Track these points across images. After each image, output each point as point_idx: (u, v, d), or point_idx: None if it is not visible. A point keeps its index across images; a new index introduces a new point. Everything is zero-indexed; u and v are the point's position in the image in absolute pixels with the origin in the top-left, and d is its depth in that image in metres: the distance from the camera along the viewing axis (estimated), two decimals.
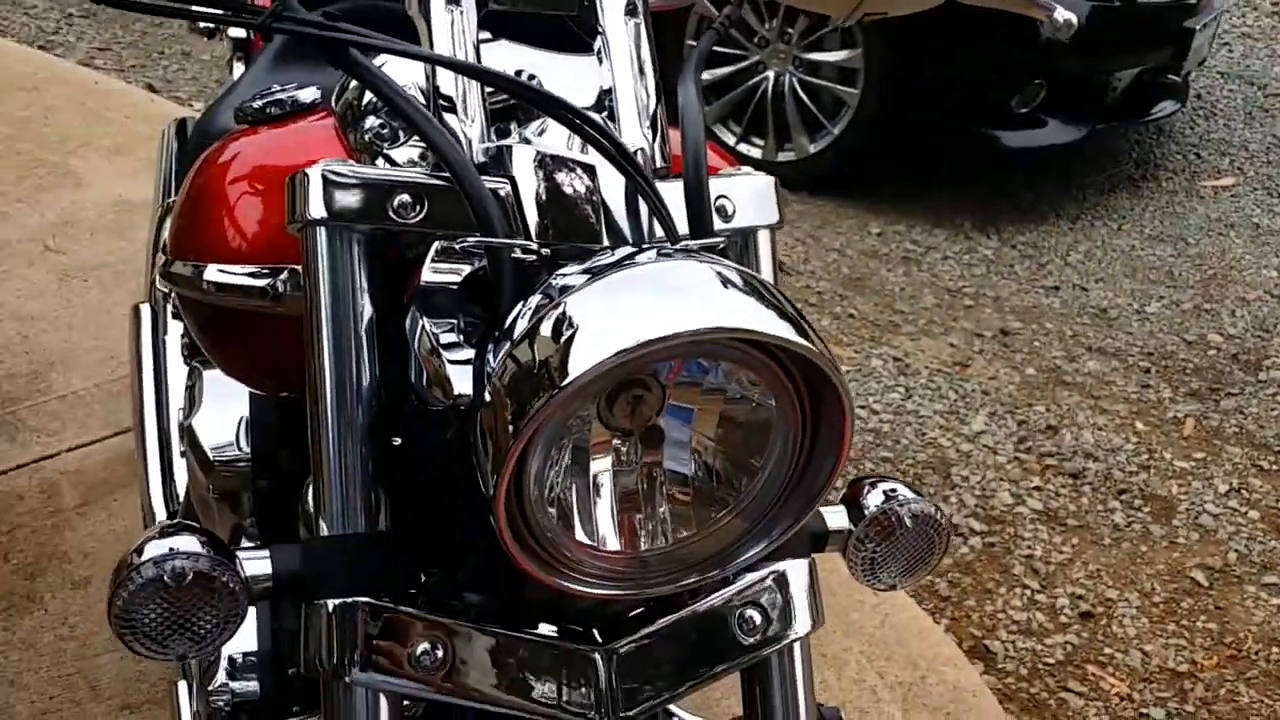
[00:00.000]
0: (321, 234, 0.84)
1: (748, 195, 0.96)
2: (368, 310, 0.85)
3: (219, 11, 0.81)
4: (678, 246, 0.83)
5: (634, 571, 0.81)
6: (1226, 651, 2.34)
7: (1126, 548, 2.58)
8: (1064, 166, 4.24)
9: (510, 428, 0.71)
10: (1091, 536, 2.60)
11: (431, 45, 0.92)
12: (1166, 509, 2.70)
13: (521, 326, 0.75)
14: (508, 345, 0.75)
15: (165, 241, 1.10)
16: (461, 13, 0.92)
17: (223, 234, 1.02)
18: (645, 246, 0.82)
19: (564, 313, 0.73)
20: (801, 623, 0.93)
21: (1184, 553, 2.58)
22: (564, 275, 0.76)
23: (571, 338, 0.71)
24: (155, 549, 0.79)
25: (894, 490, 0.99)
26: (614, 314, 0.72)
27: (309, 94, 1.09)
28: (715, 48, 3.80)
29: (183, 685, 1.29)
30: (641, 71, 0.97)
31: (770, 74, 3.94)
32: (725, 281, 0.75)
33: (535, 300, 0.76)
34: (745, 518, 0.82)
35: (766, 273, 0.99)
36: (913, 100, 3.76)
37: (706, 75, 4.03)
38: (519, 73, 0.97)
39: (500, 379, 0.73)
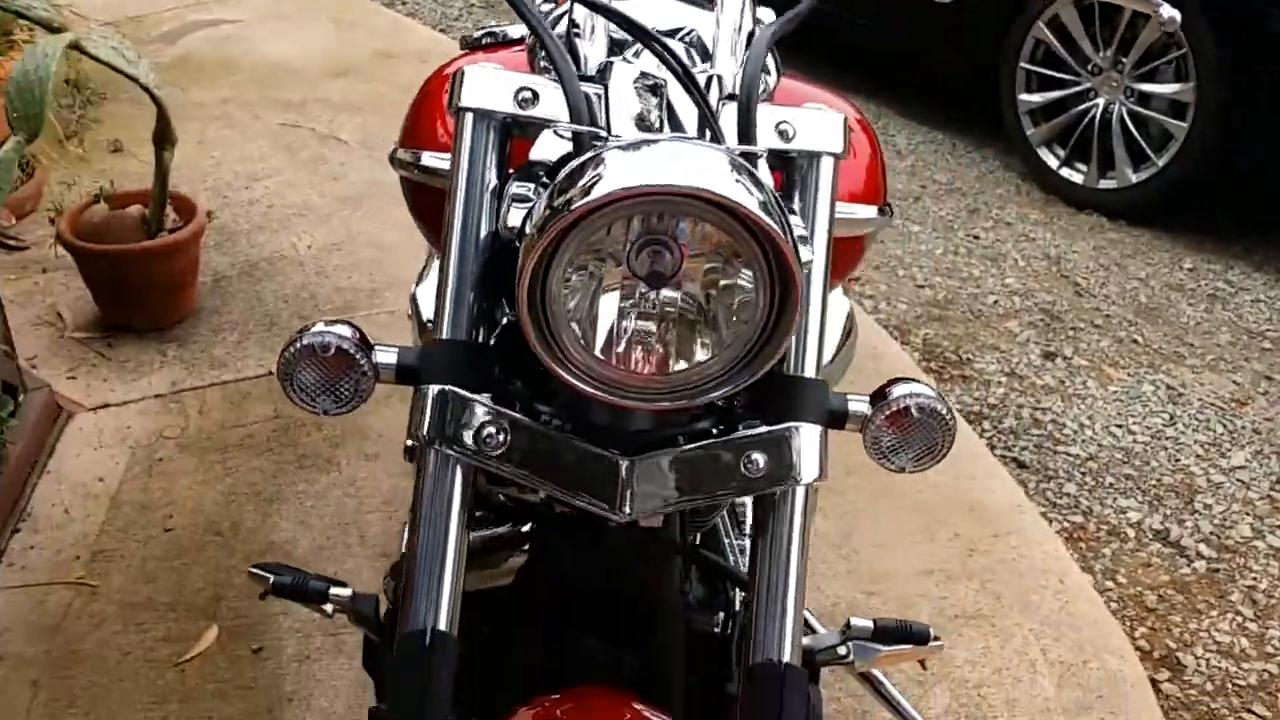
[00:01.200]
0: (467, 118, 1.13)
1: (810, 124, 1.17)
2: (493, 179, 1.13)
3: None
4: (703, 140, 1.06)
5: (632, 388, 1.05)
6: None
7: None
8: None
9: (532, 247, 0.97)
10: None
11: None
12: None
13: (558, 178, 1.01)
14: (547, 191, 1.01)
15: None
16: None
17: (430, 128, 1.33)
18: (675, 136, 1.06)
19: (584, 167, 0.98)
20: (805, 473, 1.13)
21: None
22: (603, 147, 1.02)
23: (584, 184, 0.96)
24: (317, 329, 1.11)
25: (913, 388, 1.17)
26: (616, 170, 0.96)
27: (517, 30, 1.40)
28: (1047, 70, 3.88)
29: None
30: (739, 28, 1.20)
31: (1100, 101, 3.96)
32: (716, 161, 0.98)
33: (575, 162, 1.02)
34: (720, 364, 1.04)
35: (824, 197, 1.18)
36: (1244, 138, 3.69)
37: (1037, 97, 4.11)
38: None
39: (535, 213, 1.00)
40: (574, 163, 1.02)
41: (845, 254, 1.49)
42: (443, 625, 1.09)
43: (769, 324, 1.03)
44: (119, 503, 2.43)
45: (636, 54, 1.20)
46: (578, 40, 1.17)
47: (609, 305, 1.03)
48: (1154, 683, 2.26)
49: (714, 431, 1.13)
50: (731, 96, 1.16)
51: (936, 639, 1.75)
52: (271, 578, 1.43)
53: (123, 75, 2.57)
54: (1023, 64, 4.12)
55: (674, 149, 1.00)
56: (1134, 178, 3.92)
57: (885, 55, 4.72)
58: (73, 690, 2.05)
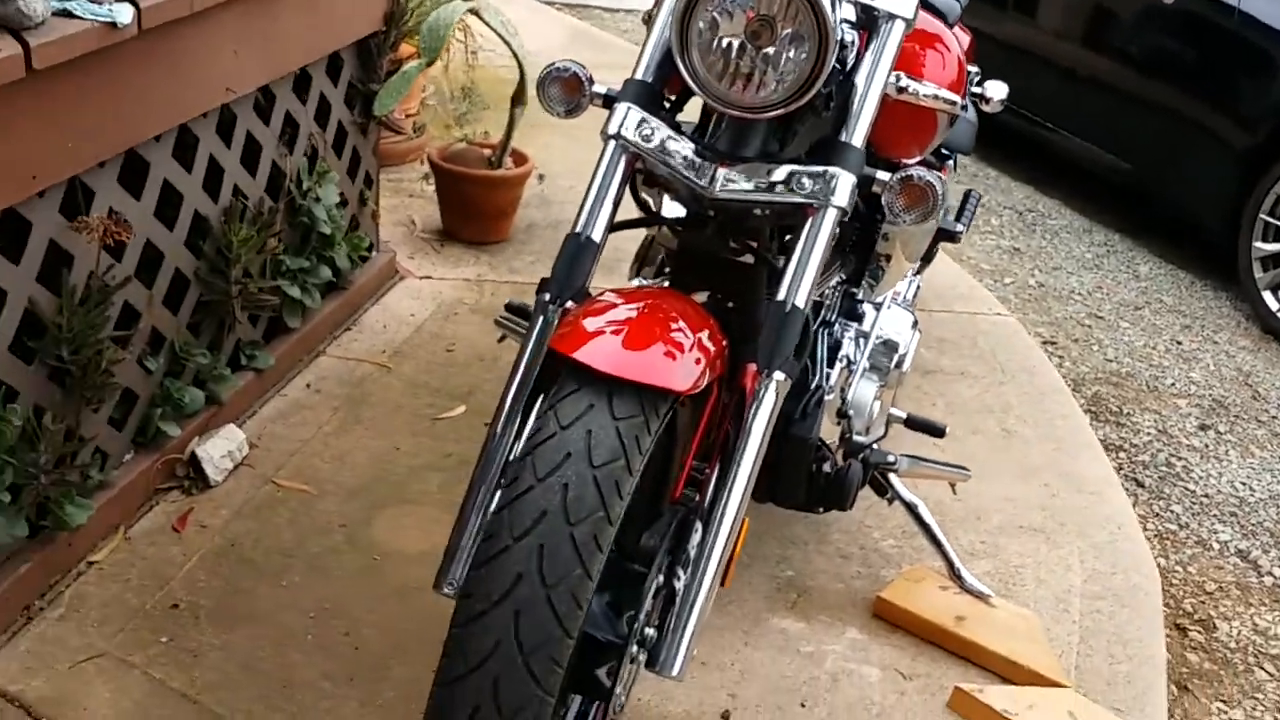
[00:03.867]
0: None
1: None
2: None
3: None
4: None
5: (734, 103, 1.74)
6: None
7: None
8: None
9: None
10: None
11: None
12: None
13: None
14: None
15: None
16: None
17: None
18: None
19: None
20: (837, 200, 1.77)
21: None
22: None
23: None
24: (562, 63, 1.88)
25: (919, 169, 1.81)
26: None
27: None
28: None
29: None
30: None
31: None
32: None
33: None
34: (783, 92, 1.72)
35: (887, 57, 1.84)
36: None
37: (1271, 246, 4.52)
38: None
39: None
40: None
41: (924, 122, 2.13)
42: (594, 236, 1.81)
43: (811, 72, 1.72)
44: (421, 330, 3.29)
45: None
46: None
47: (726, 43, 1.74)
48: (1181, 630, 2.68)
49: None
50: None
51: (964, 467, 2.38)
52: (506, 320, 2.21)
53: (501, 40, 3.51)
54: (1263, 214, 4.55)
55: None
56: None
57: (1144, 196, 5.23)
58: (359, 416, 2.88)
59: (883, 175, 1.83)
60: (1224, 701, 2.51)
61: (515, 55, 3.54)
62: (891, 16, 1.84)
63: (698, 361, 1.64)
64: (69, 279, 2.21)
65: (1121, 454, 3.39)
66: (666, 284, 2.08)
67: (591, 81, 1.91)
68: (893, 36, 1.85)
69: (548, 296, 1.78)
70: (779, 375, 1.70)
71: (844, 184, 1.76)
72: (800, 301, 1.75)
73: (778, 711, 2.16)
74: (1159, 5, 4.96)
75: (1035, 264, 4.72)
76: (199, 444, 2.62)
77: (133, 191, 2.38)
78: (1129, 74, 5.15)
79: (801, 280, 1.75)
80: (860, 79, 1.81)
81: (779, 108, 1.75)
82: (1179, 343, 4.26)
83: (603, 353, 1.58)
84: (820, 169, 1.77)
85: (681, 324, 1.69)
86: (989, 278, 4.45)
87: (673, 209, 2.14)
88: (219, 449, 2.63)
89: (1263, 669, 2.62)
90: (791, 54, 1.72)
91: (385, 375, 3.06)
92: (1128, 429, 3.57)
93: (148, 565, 2.34)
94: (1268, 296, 4.52)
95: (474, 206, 3.74)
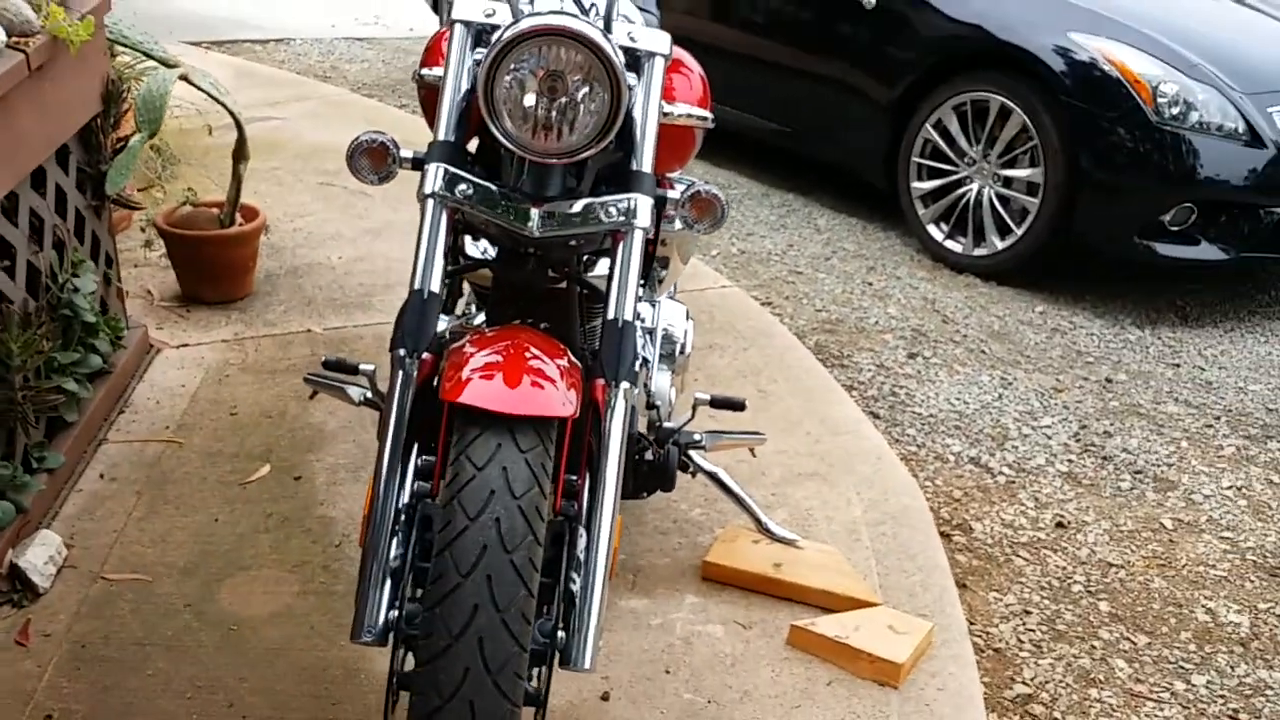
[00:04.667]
0: (457, 27, 2.06)
1: (647, 34, 2.09)
2: (469, 60, 2.05)
3: None
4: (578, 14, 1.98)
5: (538, 150, 1.95)
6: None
7: (1120, 501, 3.37)
8: (1247, 292, 4.96)
9: (489, 60, 1.89)
10: (1094, 491, 3.40)
11: None
12: (1169, 486, 3.45)
13: (501, 29, 1.93)
14: (495, 35, 1.93)
15: None
16: None
17: (435, 55, 2.27)
18: (562, 9, 1.98)
19: (515, 20, 1.91)
20: (639, 222, 2.01)
21: (1168, 545, 3.33)
22: (525, 13, 1.94)
23: (515, 26, 1.88)
24: (370, 133, 2.03)
25: (702, 184, 2.08)
26: (531, 19, 1.89)
27: None
28: (935, 163, 4.83)
29: None
30: None
31: (974, 186, 4.96)
32: (584, 20, 1.90)
33: (510, 19, 1.94)
34: (583, 138, 1.94)
35: (655, 90, 2.09)
36: (1081, 210, 4.67)
37: (926, 185, 5.10)
38: None
39: (489, 48, 1.92)
40: (509, 20, 1.95)
41: (683, 139, 2.40)
42: (434, 289, 1.97)
43: (609, 117, 1.95)
44: (197, 399, 3.31)
45: None
46: None
47: (529, 100, 1.95)
48: (946, 536, 3.11)
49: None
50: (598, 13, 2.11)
51: (759, 433, 2.67)
52: (319, 377, 2.34)
53: (215, 101, 3.55)
54: (915, 158, 5.13)
55: (561, 14, 1.94)
56: (1000, 245, 4.88)
57: (809, 157, 5.76)
58: (165, 495, 2.91)
59: (672, 194, 2.09)
60: (997, 591, 2.94)
61: (232, 114, 3.59)
62: (652, 54, 2.09)
63: (570, 386, 1.85)
64: None
65: (854, 392, 3.81)
66: (482, 319, 2.27)
67: (398, 147, 2.06)
68: (657, 71, 2.10)
69: (402, 351, 1.94)
70: (625, 385, 1.93)
71: (644, 207, 2.01)
72: (628, 315, 1.98)
73: (648, 683, 2.40)
74: None
75: (731, 233, 5.13)
76: (17, 555, 2.60)
77: None
78: (778, 47, 5.64)
79: (625, 296, 1.98)
80: (637, 112, 2.06)
81: (585, 150, 1.97)
82: (870, 284, 4.76)
83: (494, 395, 1.76)
84: (623, 197, 2.01)
85: (541, 355, 1.89)
86: (697, 252, 4.82)
87: (476, 248, 2.34)
88: (39, 555, 2.62)
89: (1019, 556, 3.08)
90: (591, 104, 1.94)
91: (177, 451, 3.08)
92: (852, 369, 4.00)
93: (5, 684, 2.33)
94: (932, 229, 5.11)
95: (215, 267, 3.75)
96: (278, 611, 2.55)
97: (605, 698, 2.37)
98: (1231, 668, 2.75)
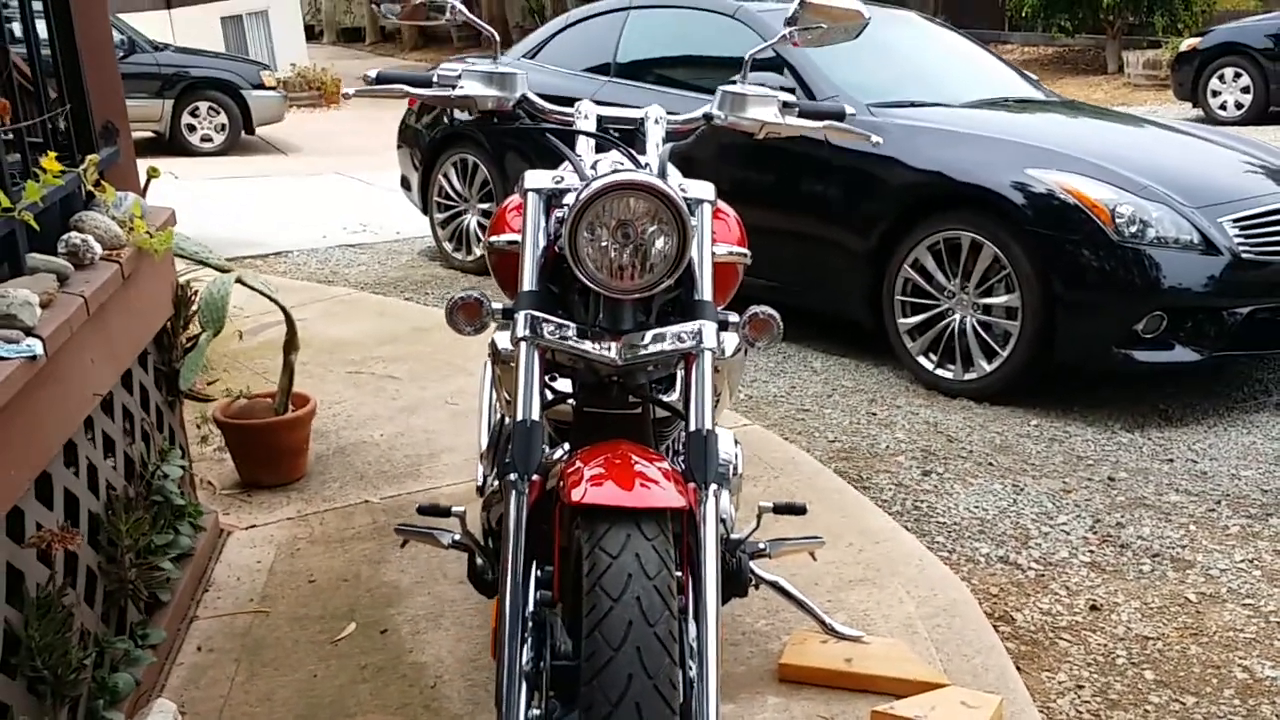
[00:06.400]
0: (530, 195, 2.38)
1: (694, 184, 2.41)
2: (543, 223, 2.37)
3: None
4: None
5: (617, 288, 2.24)
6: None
7: (1144, 582, 3.60)
8: (1223, 391, 5.29)
9: (570, 217, 2.19)
10: (1119, 576, 3.64)
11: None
12: (1187, 565, 3.70)
13: (577, 191, 2.24)
14: (574, 195, 2.24)
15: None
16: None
17: (502, 223, 2.58)
18: (628, 167, 2.30)
19: (588, 183, 2.21)
20: (706, 344, 2.29)
21: (1196, 616, 3.57)
22: (596, 175, 2.25)
23: (591, 187, 2.20)
24: (464, 292, 2.32)
25: (761, 307, 2.37)
26: (603, 179, 2.20)
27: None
28: (918, 299, 5.20)
29: None
30: (658, 144, 2.47)
31: (957, 316, 5.31)
32: (649, 175, 2.22)
33: (583, 183, 2.25)
34: (654, 275, 2.23)
35: (707, 231, 2.40)
36: (1060, 327, 5.01)
37: (912, 320, 5.45)
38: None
39: (569, 210, 2.23)
40: (577, 184, 2.27)
41: (727, 275, 2.70)
42: (535, 417, 2.23)
43: (678, 257, 2.25)
44: (274, 572, 3.51)
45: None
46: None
47: (612, 250, 2.24)
48: (994, 627, 3.32)
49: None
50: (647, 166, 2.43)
51: (817, 537, 2.93)
52: (410, 526, 2.60)
53: (267, 298, 3.84)
54: (898, 296, 5.49)
55: (629, 171, 2.25)
56: (988, 368, 5.20)
57: (797, 307, 6.12)
58: (263, 659, 3.09)
59: (733, 318, 2.39)
60: (1049, 671, 3.15)
61: (283, 310, 3.88)
62: (700, 200, 2.41)
63: (676, 484, 2.09)
64: (27, 594, 2.38)
65: (879, 508, 4.06)
66: (561, 453, 2.53)
67: (489, 300, 2.35)
68: (706, 215, 2.41)
69: (514, 476, 2.18)
70: (713, 485, 2.18)
71: (710, 331, 2.29)
72: (709, 424, 2.24)
73: None
74: (764, 146, 5.90)
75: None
76: None
77: (45, 503, 2.57)
78: (754, 210, 6.03)
79: (704, 409, 2.25)
80: (694, 251, 2.36)
81: (657, 285, 2.26)
82: (873, 414, 5.06)
83: (616, 494, 2.00)
84: (692, 325, 2.30)
85: (644, 460, 2.15)
86: None
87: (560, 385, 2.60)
88: None
89: (1062, 639, 3.30)
90: (659, 245, 2.24)
91: (265, 620, 3.27)
92: (873, 490, 4.26)
93: None
94: (922, 360, 5.43)
95: (274, 452, 4.00)
96: None
97: None
98: (1276, 716, 2.95)
